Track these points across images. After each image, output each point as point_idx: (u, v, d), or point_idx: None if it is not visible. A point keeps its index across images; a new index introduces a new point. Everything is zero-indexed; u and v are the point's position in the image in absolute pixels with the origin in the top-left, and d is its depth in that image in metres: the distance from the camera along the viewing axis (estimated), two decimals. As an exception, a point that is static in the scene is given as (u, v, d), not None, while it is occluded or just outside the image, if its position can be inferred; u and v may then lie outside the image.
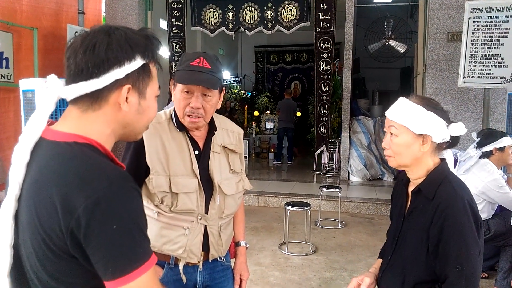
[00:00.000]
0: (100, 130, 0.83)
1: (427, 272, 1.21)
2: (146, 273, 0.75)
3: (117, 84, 0.81)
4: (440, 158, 1.30)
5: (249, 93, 12.44)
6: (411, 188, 1.32)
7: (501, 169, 3.15)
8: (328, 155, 7.21)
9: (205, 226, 1.48)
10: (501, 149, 2.98)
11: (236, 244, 1.70)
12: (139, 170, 1.44)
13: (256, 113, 10.39)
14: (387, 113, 1.30)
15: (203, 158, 1.49)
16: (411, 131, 1.24)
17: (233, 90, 12.04)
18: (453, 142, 1.28)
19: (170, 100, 1.70)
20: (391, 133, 1.28)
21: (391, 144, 1.28)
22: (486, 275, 3.46)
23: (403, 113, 1.25)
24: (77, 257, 0.75)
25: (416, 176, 1.30)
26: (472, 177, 2.98)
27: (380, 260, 1.43)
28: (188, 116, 1.41)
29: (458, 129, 1.23)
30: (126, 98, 0.83)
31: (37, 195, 0.76)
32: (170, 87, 1.51)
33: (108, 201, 0.72)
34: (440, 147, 1.28)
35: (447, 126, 1.24)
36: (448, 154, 1.33)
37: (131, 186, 0.77)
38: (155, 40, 0.87)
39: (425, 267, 1.21)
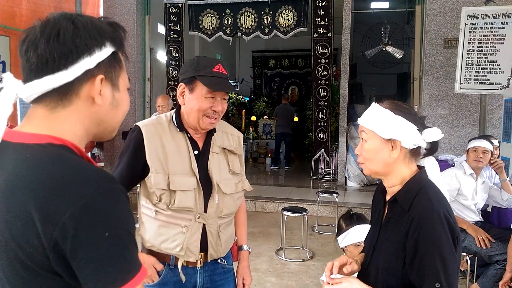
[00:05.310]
0: (73, 130, 0.74)
1: (402, 286, 1.15)
2: (138, 286, 0.67)
3: (88, 75, 0.73)
4: (419, 166, 1.25)
5: (247, 98, 12.45)
6: (388, 196, 1.27)
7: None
8: (328, 159, 7.20)
9: (204, 225, 1.49)
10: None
11: (239, 248, 1.71)
12: (135, 171, 1.48)
13: (253, 118, 10.39)
14: (359, 119, 1.27)
15: (202, 157, 1.53)
16: (379, 135, 1.20)
17: (230, 95, 12.04)
18: (432, 148, 1.22)
19: (175, 106, 1.70)
20: (362, 139, 1.25)
21: (362, 150, 1.25)
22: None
23: (372, 118, 1.22)
24: (60, 274, 0.65)
25: (391, 185, 1.24)
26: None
27: (363, 254, 1.38)
28: (208, 117, 1.47)
29: (433, 134, 1.18)
30: (100, 91, 0.75)
31: (6, 206, 0.66)
32: (179, 91, 1.50)
33: (98, 206, 0.64)
34: (416, 153, 1.22)
35: (421, 131, 1.19)
36: (429, 162, 1.27)
37: (118, 188, 0.69)
38: (120, 27, 0.80)
39: (401, 280, 1.14)
